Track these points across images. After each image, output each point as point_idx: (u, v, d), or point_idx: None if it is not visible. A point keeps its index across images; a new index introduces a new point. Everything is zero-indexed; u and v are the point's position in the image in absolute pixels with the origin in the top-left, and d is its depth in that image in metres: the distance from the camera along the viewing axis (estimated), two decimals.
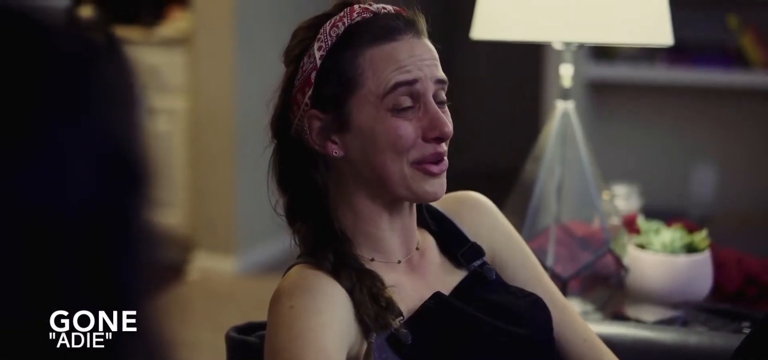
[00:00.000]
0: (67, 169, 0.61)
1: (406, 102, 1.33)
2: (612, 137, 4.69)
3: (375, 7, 1.37)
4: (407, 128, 1.32)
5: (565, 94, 2.16)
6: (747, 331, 1.92)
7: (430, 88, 1.34)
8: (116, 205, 0.64)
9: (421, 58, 1.34)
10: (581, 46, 2.16)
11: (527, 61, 5.64)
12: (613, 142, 4.68)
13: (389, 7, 1.38)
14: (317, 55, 1.34)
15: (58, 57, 0.63)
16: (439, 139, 1.33)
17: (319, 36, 1.35)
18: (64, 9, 0.66)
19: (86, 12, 4.72)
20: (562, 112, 2.16)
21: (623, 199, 2.89)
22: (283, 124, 1.39)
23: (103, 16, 4.79)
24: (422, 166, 1.33)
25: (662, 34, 2.02)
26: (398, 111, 1.32)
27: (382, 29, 1.34)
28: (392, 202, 1.37)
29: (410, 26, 1.36)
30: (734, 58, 4.47)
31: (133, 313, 0.65)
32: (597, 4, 1.97)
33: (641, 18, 2.00)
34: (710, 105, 4.64)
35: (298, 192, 1.40)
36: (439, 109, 1.34)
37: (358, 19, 1.35)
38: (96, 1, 4.83)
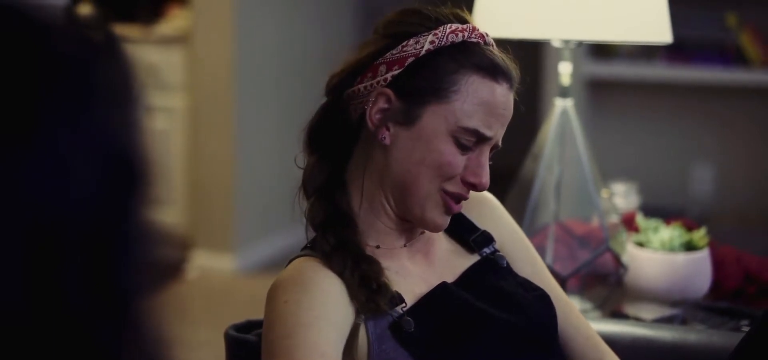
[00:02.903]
0: (66, 168, 0.61)
1: (470, 143, 1.35)
2: (611, 135, 4.69)
3: (489, 39, 1.39)
4: (458, 161, 1.34)
5: (564, 92, 2.16)
6: (746, 329, 1.91)
7: (492, 145, 1.37)
8: (115, 204, 0.64)
9: (504, 116, 1.37)
10: (580, 43, 2.16)
11: (526, 58, 5.63)
12: (612, 140, 4.68)
13: (497, 49, 1.40)
14: (426, 45, 1.34)
15: (56, 56, 0.63)
16: (473, 186, 1.36)
17: (436, 31, 1.35)
18: (63, 7, 0.66)
19: (85, 10, 4.71)
20: (561, 110, 2.16)
21: (622, 197, 2.89)
22: (342, 82, 1.39)
23: (102, 14, 4.78)
24: (447, 198, 1.36)
25: (661, 32, 2.02)
26: (460, 143, 1.34)
27: (491, 64, 1.36)
28: (400, 213, 1.39)
29: (510, 76, 1.38)
30: (733, 56, 4.47)
31: (132, 311, 0.65)
32: (596, 2, 1.97)
33: (640, 16, 2.00)
34: (709, 103, 4.64)
35: (324, 156, 1.40)
36: (487, 162, 1.37)
37: (475, 40, 1.36)
38: None
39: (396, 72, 1.34)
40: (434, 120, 1.33)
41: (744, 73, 4.44)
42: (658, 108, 4.73)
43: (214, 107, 4.72)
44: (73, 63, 0.63)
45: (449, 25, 1.36)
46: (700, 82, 4.50)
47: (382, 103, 1.34)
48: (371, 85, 1.35)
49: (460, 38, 1.35)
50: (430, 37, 1.34)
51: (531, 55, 5.65)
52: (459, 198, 1.37)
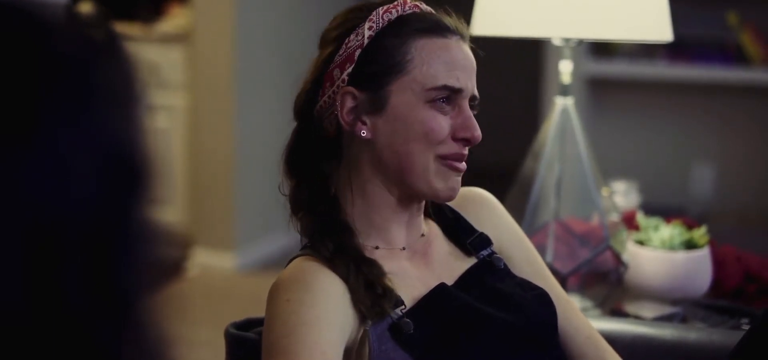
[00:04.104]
0: (66, 167, 0.61)
1: (445, 100, 1.36)
2: (611, 134, 4.69)
3: (424, 6, 1.42)
4: (441, 122, 1.36)
5: (564, 91, 2.16)
6: (746, 327, 1.92)
7: (468, 97, 1.39)
8: (116, 203, 0.64)
9: (465, 65, 1.38)
10: (581, 42, 2.16)
11: (526, 57, 5.64)
12: (613, 138, 4.68)
13: (435, 11, 1.42)
14: (367, 33, 1.37)
15: (57, 55, 0.63)
16: (467, 142, 1.37)
17: (371, 17, 1.38)
18: (64, 5, 0.66)
19: (86, 9, 4.71)
20: (562, 109, 2.16)
21: (622, 195, 2.89)
22: (307, 102, 1.41)
23: (103, 12, 4.77)
24: (447, 162, 1.36)
25: (662, 31, 2.02)
26: (436, 105, 1.36)
27: (433, 23, 1.38)
28: (405, 194, 1.39)
29: (457, 30, 1.40)
30: (734, 55, 4.47)
31: (133, 310, 0.65)
32: (597, 1, 1.97)
33: (641, 14, 2.00)
34: (710, 102, 4.64)
35: (305, 178, 1.41)
36: (472, 116, 1.38)
37: (410, 11, 1.39)
38: None
39: (350, 69, 1.37)
40: (402, 95, 1.35)
41: (744, 72, 4.43)
42: (659, 106, 4.73)
43: (214, 106, 4.72)
44: (73, 62, 0.63)
45: (381, 7, 1.39)
46: (701, 81, 4.50)
47: (349, 103, 1.37)
48: (333, 92, 1.38)
49: (395, 15, 1.38)
50: (367, 25, 1.37)
51: (531, 54, 5.65)
52: (458, 157, 1.37)
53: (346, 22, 1.40)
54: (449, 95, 1.36)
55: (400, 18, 1.38)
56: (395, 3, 1.39)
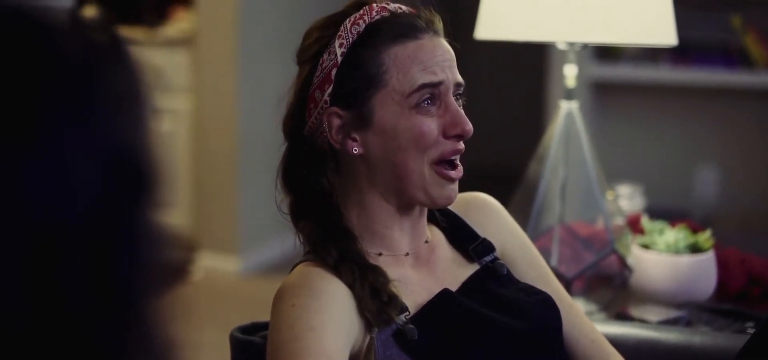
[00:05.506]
0: (72, 170, 0.61)
1: (429, 100, 1.34)
2: (616, 137, 4.69)
3: (392, 6, 1.39)
4: (430, 125, 1.33)
5: (568, 95, 2.16)
6: (751, 331, 1.91)
7: (451, 89, 1.36)
8: (120, 206, 0.64)
9: (443, 58, 1.35)
10: (585, 46, 2.16)
11: (531, 61, 5.64)
12: (617, 142, 4.67)
13: (404, 7, 1.39)
14: (338, 51, 1.35)
15: (59, 57, 0.63)
16: (459, 137, 1.35)
17: (340, 33, 1.35)
18: (68, 9, 0.66)
19: (90, 12, 4.72)
20: (566, 112, 2.16)
21: (627, 199, 2.89)
22: (295, 123, 1.40)
23: (107, 16, 4.79)
24: (441, 169, 1.35)
25: (666, 34, 2.02)
26: (421, 108, 1.33)
27: (403, 27, 1.35)
28: (403, 203, 1.38)
29: (429, 26, 1.38)
30: (737, 58, 4.47)
31: (136, 312, 0.65)
32: (601, 4, 1.97)
33: (645, 18, 2.00)
34: (714, 105, 4.63)
35: (303, 192, 1.40)
36: (459, 108, 1.36)
37: (378, 17, 1.36)
38: (99, 1, 4.83)
39: (330, 90, 1.35)
40: (386, 107, 1.34)
41: (748, 75, 4.43)
42: (663, 110, 4.73)
43: (218, 109, 4.73)
44: (76, 65, 0.63)
45: (349, 19, 1.36)
46: (705, 84, 4.49)
47: (335, 123, 1.35)
48: (318, 113, 1.36)
49: (362, 26, 1.35)
50: (337, 42, 1.35)
51: (536, 58, 5.64)
52: (452, 156, 1.35)
53: (318, 40, 1.38)
54: (432, 93, 1.34)
55: (368, 28, 1.35)
56: (361, 11, 1.37)
